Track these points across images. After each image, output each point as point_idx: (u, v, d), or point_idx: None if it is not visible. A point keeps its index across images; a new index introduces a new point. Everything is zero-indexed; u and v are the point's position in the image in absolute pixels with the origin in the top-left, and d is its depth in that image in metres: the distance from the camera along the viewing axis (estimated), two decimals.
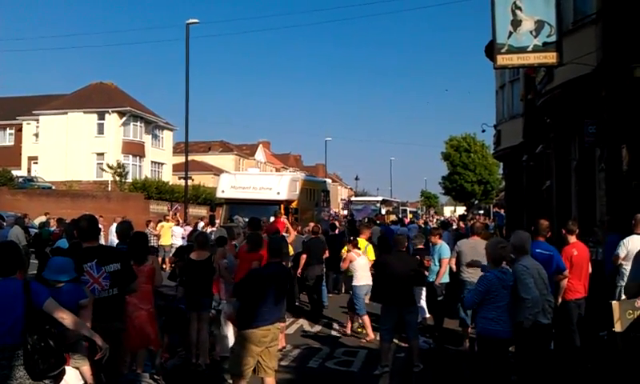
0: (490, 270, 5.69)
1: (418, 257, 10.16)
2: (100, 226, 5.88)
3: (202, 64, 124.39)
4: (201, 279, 7.58)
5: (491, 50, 12.10)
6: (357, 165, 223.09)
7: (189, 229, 18.11)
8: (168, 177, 45.50)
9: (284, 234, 11.55)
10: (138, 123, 43.52)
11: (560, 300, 7.17)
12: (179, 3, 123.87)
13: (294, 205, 20.15)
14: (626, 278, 6.67)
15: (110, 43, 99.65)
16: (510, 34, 10.85)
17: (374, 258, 10.31)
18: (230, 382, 6.33)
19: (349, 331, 10.02)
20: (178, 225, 20.32)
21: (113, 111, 41.42)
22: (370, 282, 9.53)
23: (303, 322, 10.88)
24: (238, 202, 19.47)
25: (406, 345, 9.34)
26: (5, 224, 14.99)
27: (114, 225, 14.89)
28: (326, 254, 12.25)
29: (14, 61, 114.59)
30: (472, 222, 25.18)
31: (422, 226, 27.06)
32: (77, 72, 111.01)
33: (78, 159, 40.63)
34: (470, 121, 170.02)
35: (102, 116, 41.70)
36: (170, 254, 17.09)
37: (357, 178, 71.11)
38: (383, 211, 36.79)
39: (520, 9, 10.83)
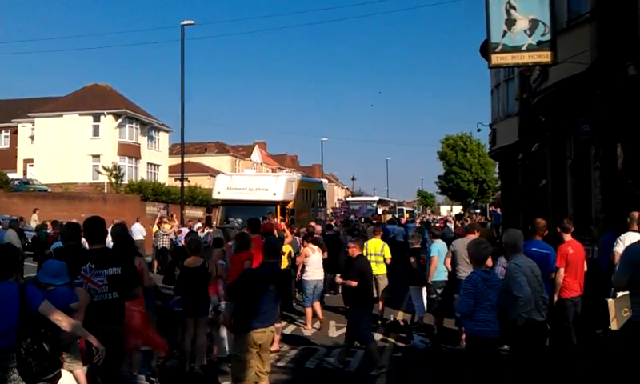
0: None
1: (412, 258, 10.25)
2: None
3: (198, 65, 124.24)
4: (196, 286, 7.46)
5: (486, 50, 12.11)
6: (353, 165, 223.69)
7: (185, 230, 18.06)
8: (164, 178, 45.38)
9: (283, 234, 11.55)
10: (134, 125, 43.42)
11: (556, 298, 7.19)
12: (174, 5, 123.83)
13: (290, 205, 20.12)
14: None
15: (105, 45, 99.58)
16: (505, 33, 10.88)
17: (389, 256, 10.92)
18: (228, 383, 6.32)
19: (309, 327, 10.41)
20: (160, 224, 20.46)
21: (108, 113, 41.28)
22: (320, 278, 10.72)
23: (299, 323, 10.89)
24: (234, 203, 19.43)
25: (404, 345, 9.38)
26: (0, 227, 14.95)
27: (111, 227, 14.85)
28: (324, 255, 12.27)
29: (9, 63, 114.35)
30: (461, 221, 25.31)
31: (420, 225, 27.06)
32: (72, 74, 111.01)
33: (73, 161, 40.51)
34: (465, 120, 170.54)
35: (97, 118, 41.55)
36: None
37: (353, 178, 71.10)
38: (380, 211, 36.83)
39: (514, 8, 10.87)
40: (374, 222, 22.45)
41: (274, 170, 60.54)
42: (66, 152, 40.75)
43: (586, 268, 7.65)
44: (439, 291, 9.50)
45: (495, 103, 22.54)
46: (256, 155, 68.34)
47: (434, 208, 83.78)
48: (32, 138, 43.40)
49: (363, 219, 26.80)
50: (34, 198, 31.09)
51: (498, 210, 29.67)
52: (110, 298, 5.10)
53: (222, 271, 8.17)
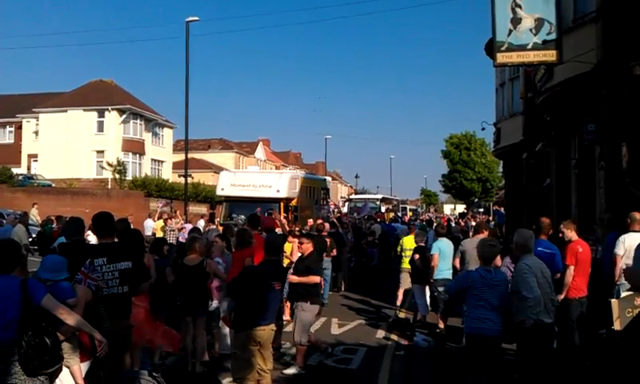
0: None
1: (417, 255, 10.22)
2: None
3: (202, 61, 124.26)
4: (194, 284, 7.30)
5: (491, 48, 12.08)
6: (357, 163, 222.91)
7: (188, 226, 18.08)
8: (168, 174, 45.50)
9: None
10: (138, 121, 43.52)
11: (562, 297, 7.15)
12: (179, 1, 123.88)
13: (293, 202, 20.16)
14: (623, 279, 6.68)
15: (110, 41, 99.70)
16: (510, 31, 10.85)
17: None
18: (229, 380, 6.32)
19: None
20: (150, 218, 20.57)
21: (113, 109, 41.42)
22: None
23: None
24: (237, 199, 19.46)
25: (407, 342, 9.36)
26: (5, 222, 14.99)
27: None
28: (334, 253, 12.31)
29: (14, 58, 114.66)
30: (465, 220, 25.26)
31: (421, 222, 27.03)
32: (77, 69, 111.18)
33: (77, 157, 40.65)
34: (470, 119, 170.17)
35: (101, 114, 41.69)
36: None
37: (357, 176, 71.04)
38: (383, 209, 36.78)
39: (520, 7, 10.83)
40: (378, 220, 22.47)
41: (277, 167, 60.51)
42: (70, 147, 40.89)
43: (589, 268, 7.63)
44: (441, 289, 9.47)
45: (500, 102, 22.46)
46: (260, 152, 68.37)
47: (437, 206, 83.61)
48: (36, 133, 43.57)
49: (366, 217, 26.76)
50: (37, 193, 31.21)
51: (502, 210, 29.61)
52: (120, 292, 5.13)
53: (215, 268, 8.02)
